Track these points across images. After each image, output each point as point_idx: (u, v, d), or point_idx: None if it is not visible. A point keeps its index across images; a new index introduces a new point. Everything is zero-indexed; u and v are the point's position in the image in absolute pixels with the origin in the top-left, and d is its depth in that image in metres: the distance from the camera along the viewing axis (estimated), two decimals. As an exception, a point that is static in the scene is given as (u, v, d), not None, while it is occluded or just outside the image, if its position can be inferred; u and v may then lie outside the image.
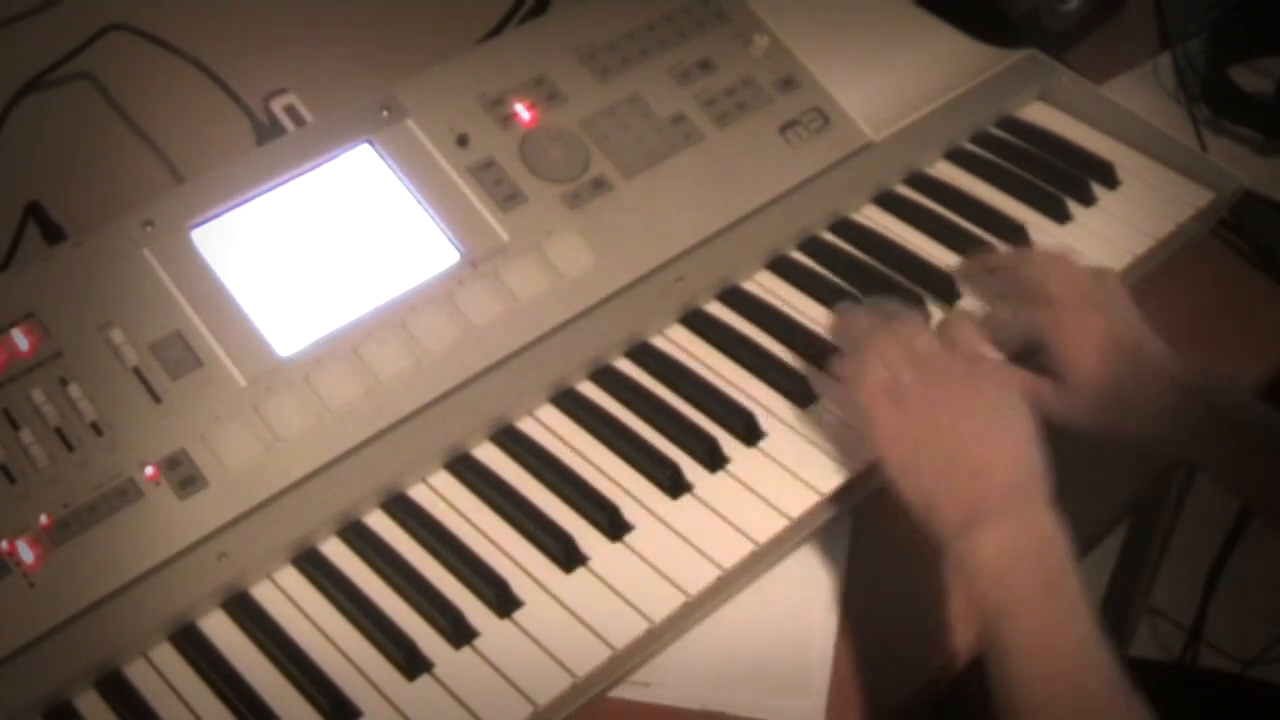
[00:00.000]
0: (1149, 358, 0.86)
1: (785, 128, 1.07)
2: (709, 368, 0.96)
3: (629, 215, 1.00)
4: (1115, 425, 0.86)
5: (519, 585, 0.84)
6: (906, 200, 1.09)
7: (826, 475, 0.89)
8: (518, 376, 0.93)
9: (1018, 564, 0.74)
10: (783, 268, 1.03)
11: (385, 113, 0.99)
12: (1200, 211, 1.09)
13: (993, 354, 0.87)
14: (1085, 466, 0.96)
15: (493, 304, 0.94)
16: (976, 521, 0.75)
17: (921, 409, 0.81)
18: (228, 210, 0.92)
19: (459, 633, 0.82)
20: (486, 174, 0.98)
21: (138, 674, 0.81)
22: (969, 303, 1.00)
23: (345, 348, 0.90)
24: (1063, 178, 1.10)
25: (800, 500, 0.88)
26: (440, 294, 0.93)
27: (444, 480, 0.90)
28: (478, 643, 0.81)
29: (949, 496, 0.77)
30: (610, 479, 0.90)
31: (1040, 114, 1.17)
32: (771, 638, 0.86)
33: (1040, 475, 0.78)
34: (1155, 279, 1.07)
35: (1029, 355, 0.90)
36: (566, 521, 0.87)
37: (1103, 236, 1.06)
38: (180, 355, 0.87)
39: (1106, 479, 0.95)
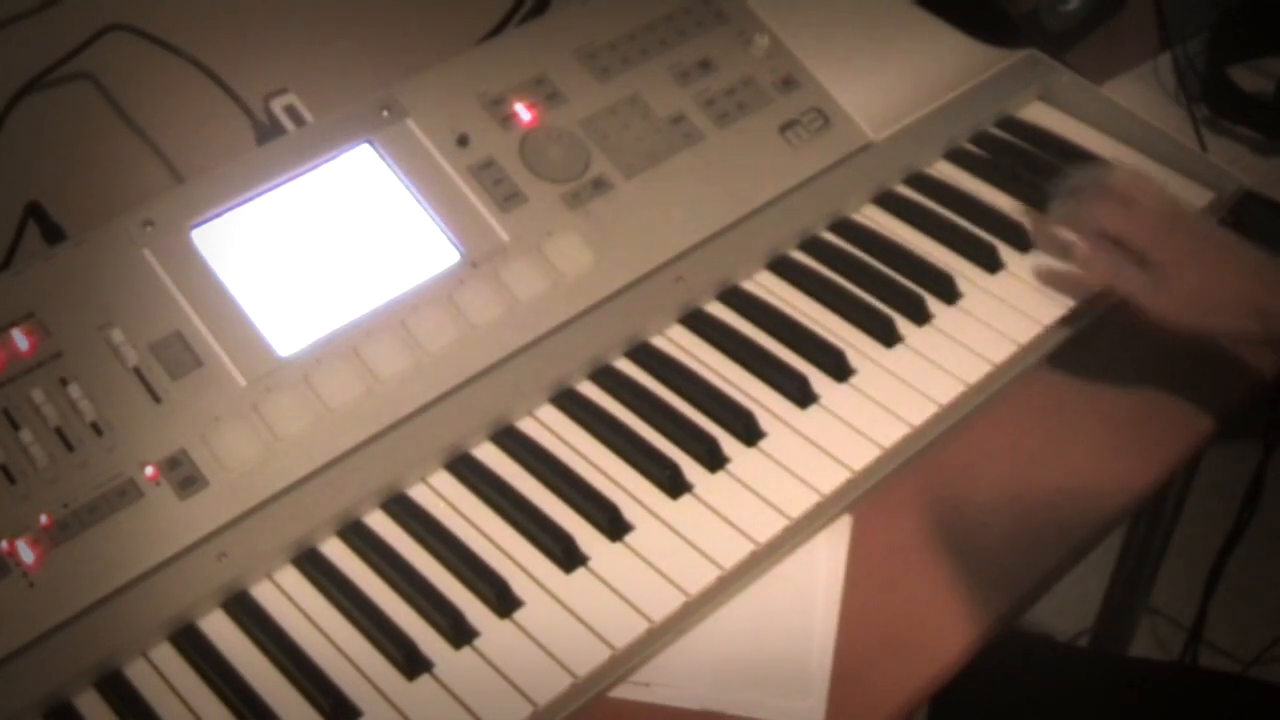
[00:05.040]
0: (1234, 255, 0.94)
1: (785, 128, 1.07)
2: (709, 368, 0.96)
3: (629, 215, 1.00)
4: (1208, 318, 0.93)
5: (519, 585, 0.84)
6: (906, 200, 1.09)
7: (826, 475, 0.89)
8: (518, 376, 0.93)
9: None
10: (783, 268, 1.03)
11: (385, 113, 0.99)
12: (1200, 211, 1.09)
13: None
14: (1086, 465, 0.96)
15: (493, 304, 0.94)
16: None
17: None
18: (228, 210, 0.93)
19: (459, 633, 0.82)
20: (486, 174, 0.98)
21: (138, 674, 0.81)
22: (970, 301, 1.00)
23: (345, 348, 0.90)
24: (1063, 177, 1.10)
25: (800, 500, 0.88)
26: (440, 294, 0.93)
27: (444, 480, 0.90)
28: (478, 643, 0.82)
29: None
30: (610, 479, 0.90)
31: (1040, 114, 1.17)
32: (771, 638, 0.85)
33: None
34: (1155, 279, 1.07)
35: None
36: (566, 521, 0.87)
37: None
38: (180, 355, 0.87)
39: (1107, 478, 0.95)
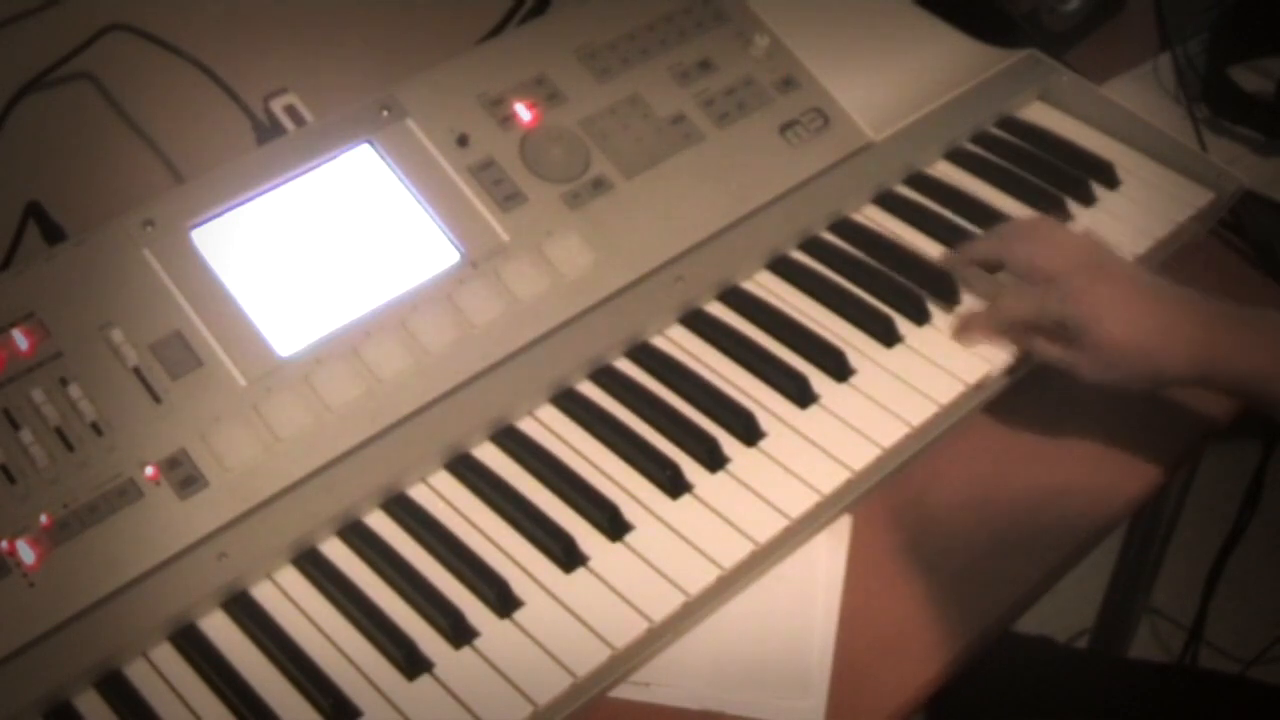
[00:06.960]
0: (1161, 304, 0.91)
1: (785, 128, 1.07)
2: (709, 368, 0.96)
3: (629, 215, 1.00)
4: (1139, 374, 0.90)
5: (519, 585, 0.84)
6: (906, 200, 1.09)
7: (826, 475, 0.89)
8: (518, 376, 0.93)
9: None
10: (783, 268, 1.03)
11: (385, 113, 0.99)
12: (1200, 211, 1.09)
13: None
14: (1085, 466, 0.96)
15: (493, 304, 0.94)
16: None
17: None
18: (228, 210, 0.93)
19: (459, 633, 0.82)
20: (486, 174, 0.98)
21: (138, 674, 0.81)
22: (971, 302, 1.00)
23: (345, 348, 0.90)
24: (1063, 178, 1.10)
25: (800, 500, 0.88)
26: (440, 294, 0.93)
27: (444, 480, 0.90)
28: (478, 643, 0.82)
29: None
30: (610, 479, 0.90)
31: (1040, 114, 1.17)
32: (771, 638, 0.86)
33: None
34: (1155, 279, 1.07)
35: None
36: (566, 521, 0.87)
37: (1103, 236, 1.06)
38: (180, 355, 0.87)
39: (1107, 478, 0.95)
